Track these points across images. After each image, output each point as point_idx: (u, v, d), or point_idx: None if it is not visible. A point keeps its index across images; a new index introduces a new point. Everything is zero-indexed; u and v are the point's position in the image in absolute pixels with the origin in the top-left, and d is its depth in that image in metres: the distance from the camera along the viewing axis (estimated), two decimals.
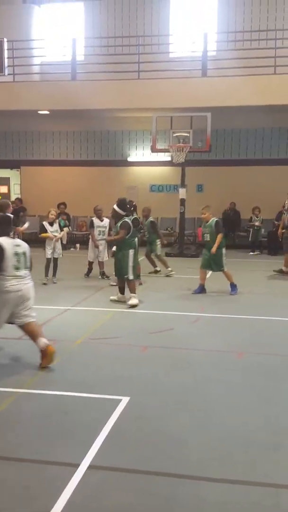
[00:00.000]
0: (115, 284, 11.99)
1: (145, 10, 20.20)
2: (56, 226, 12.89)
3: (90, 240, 13.56)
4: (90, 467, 4.35)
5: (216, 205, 19.40)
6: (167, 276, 13.65)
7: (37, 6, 21.08)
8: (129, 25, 20.21)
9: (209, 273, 12.12)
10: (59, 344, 7.74)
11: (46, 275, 12.64)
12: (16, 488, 4.09)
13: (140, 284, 12.44)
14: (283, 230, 14.27)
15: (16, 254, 6.77)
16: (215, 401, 5.78)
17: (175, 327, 8.82)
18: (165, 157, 19.28)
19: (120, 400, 5.65)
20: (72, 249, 18.78)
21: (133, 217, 12.29)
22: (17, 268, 6.75)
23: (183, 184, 17.68)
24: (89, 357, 7.25)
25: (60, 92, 17.15)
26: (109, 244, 12.32)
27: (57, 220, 13.14)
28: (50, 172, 21.64)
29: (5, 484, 4.15)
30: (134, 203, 12.74)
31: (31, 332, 6.91)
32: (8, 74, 16.35)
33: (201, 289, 11.59)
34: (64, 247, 13.73)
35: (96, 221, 13.50)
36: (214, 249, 11.31)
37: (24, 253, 6.91)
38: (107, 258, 13.19)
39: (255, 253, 18.64)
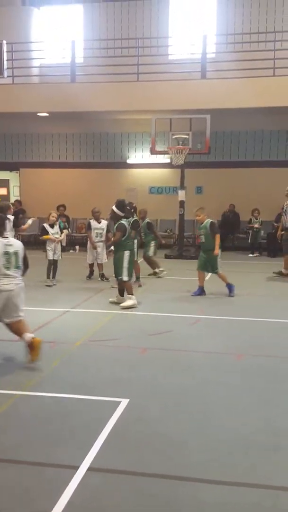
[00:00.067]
0: (116, 286, 12.08)
1: (144, 12, 20.22)
2: (56, 228, 12.89)
3: (88, 242, 13.57)
4: (89, 469, 4.35)
5: (215, 207, 19.48)
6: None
7: (36, 8, 21.09)
8: (128, 27, 20.23)
9: (208, 275, 12.12)
10: (59, 346, 7.76)
11: (48, 277, 12.65)
12: (16, 490, 4.09)
13: (140, 286, 12.46)
14: (282, 232, 14.27)
15: (7, 253, 6.80)
16: (214, 403, 5.78)
17: (175, 329, 8.82)
18: (165, 159, 19.29)
19: (119, 402, 5.65)
20: (71, 251, 18.79)
21: (133, 219, 12.31)
22: (7, 268, 6.77)
23: (182, 186, 17.69)
24: (89, 359, 7.25)
25: (59, 94, 17.16)
26: (107, 246, 12.32)
27: (57, 222, 13.14)
28: (49, 174, 21.64)
29: (5, 485, 4.15)
30: (134, 205, 12.74)
31: (17, 330, 6.97)
32: (8, 76, 16.36)
33: (201, 291, 11.59)
34: (64, 249, 13.73)
35: (93, 223, 13.52)
36: (216, 251, 11.34)
37: (15, 253, 6.92)
38: (106, 260, 13.19)
39: (255, 255, 18.65)
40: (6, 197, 23.91)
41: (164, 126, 17.14)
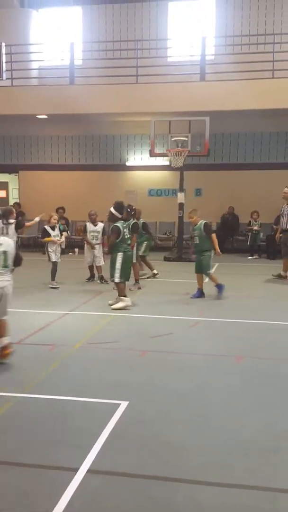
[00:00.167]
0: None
1: (143, 14, 20.26)
2: (57, 230, 12.92)
3: (86, 245, 13.59)
4: (89, 471, 4.34)
5: (214, 209, 19.53)
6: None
7: (35, 11, 21.12)
8: (127, 29, 20.28)
9: (207, 278, 12.10)
10: (58, 348, 7.75)
11: (53, 279, 12.63)
12: (15, 492, 4.08)
13: (139, 288, 12.46)
14: (281, 235, 14.26)
15: None
16: (214, 405, 5.77)
17: (174, 332, 8.81)
18: (164, 161, 19.32)
19: (119, 405, 5.64)
20: (70, 253, 18.78)
21: (133, 221, 12.32)
22: None
23: (181, 189, 17.69)
24: (88, 362, 7.23)
25: (58, 97, 17.19)
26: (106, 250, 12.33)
27: (57, 225, 13.16)
28: (48, 176, 21.65)
29: (5, 487, 4.13)
30: (134, 208, 12.74)
31: None
32: (6, 79, 16.35)
33: (200, 294, 11.58)
34: (63, 252, 13.74)
35: (89, 225, 13.58)
36: (217, 250, 11.35)
37: (4, 252, 6.95)
38: (103, 262, 13.19)
39: (254, 257, 18.64)
40: (5, 200, 23.93)
41: (163, 128, 17.15)
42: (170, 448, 4.77)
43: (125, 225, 10.68)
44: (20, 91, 17.77)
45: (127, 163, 21.22)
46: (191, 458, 4.61)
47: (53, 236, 12.70)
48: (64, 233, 14.06)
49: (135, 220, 12.52)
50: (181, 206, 17.58)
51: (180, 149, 16.82)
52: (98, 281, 13.28)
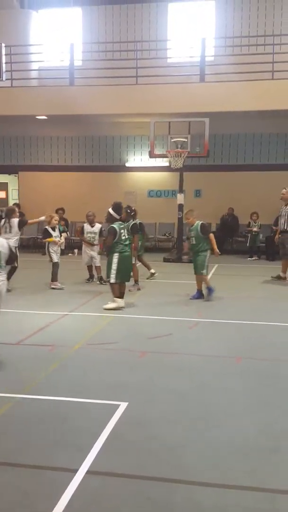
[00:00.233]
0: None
1: (143, 15, 20.28)
2: (57, 231, 12.95)
3: (83, 245, 13.63)
4: (88, 472, 4.33)
5: (214, 211, 19.55)
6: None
7: (35, 11, 21.13)
8: (127, 30, 20.30)
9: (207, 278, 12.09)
10: (57, 349, 7.74)
11: (56, 280, 12.67)
12: (15, 493, 4.07)
13: (138, 289, 12.46)
14: (279, 236, 14.27)
15: None
16: (213, 406, 5.76)
17: (173, 333, 8.80)
18: (163, 162, 19.32)
19: (118, 406, 5.63)
20: (70, 254, 18.78)
21: (133, 222, 12.33)
22: None
23: (181, 190, 17.68)
24: (88, 363, 7.23)
25: (58, 97, 17.18)
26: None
27: (57, 225, 13.18)
28: (48, 177, 21.66)
29: (4, 488, 4.13)
30: (134, 209, 12.74)
31: None
32: (6, 79, 16.34)
33: (199, 295, 11.57)
34: (62, 253, 13.75)
35: (86, 226, 13.63)
36: (216, 250, 11.34)
37: None
38: (99, 263, 13.22)
39: (253, 258, 18.64)
40: (5, 200, 23.94)
41: (163, 129, 17.15)
42: (170, 449, 4.77)
43: (122, 226, 10.68)
44: (19, 91, 17.77)
45: (127, 164, 21.23)
46: (191, 459, 4.60)
47: (54, 237, 12.72)
48: (64, 234, 14.08)
49: (135, 221, 12.51)
50: (180, 207, 17.56)
51: (180, 150, 16.82)
52: (97, 282, 13.28)
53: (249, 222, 19.02)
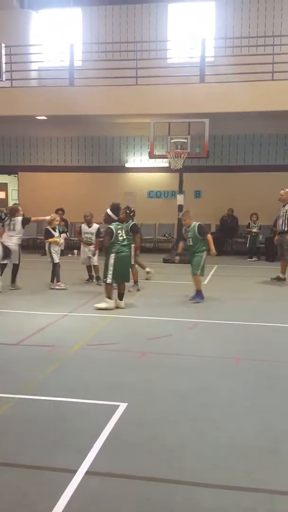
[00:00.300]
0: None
1: (143, 16, 20.28)
2: (57, 231, 12.99)
3: (81, 245, 13.65)
4: (87, 472, 4.33)
5: (214, 211, 19.56)
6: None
7: (35, 12, 21.13)
8: (127, 31, 20.30)
9: (206, 279, 12.09)
10: (57, 350, 7.74)
11: (59, 280, 12.71)
12: (14, 493, 4.07)
13: (138, 290, 12.45)
14: (277, 237, 14.28)
15: None
16: (213, 407, 5.75)
17: (173, 333, 8.79)
18: (163, 163, 19.32)
19: (117, 406, 5.63)
20: (69, 255, 18.77)
21: (132, 223, 12.32)
22: None
23: (181, 190, 17.68)
24: (87, 363, 7.22)
25: (58, 98, 17.18)
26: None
27: (57, 226, 13.20)
28: (47, 178, 21.66)
29: (3, 489, 4.12)
30: (133, 209, 12.74)
31: None
32: (6, 80, 16.35)
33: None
34: (62, 253, 13.75)
35: (84, 227, 13.66)
36: (213, 250, 11.31)
37: None
38: (96, 263, 13.23)
39: (253, 259, 18.63)
40: (5, 201, 23.94)
41: (162, 130, 17.15)
42: (169, 450, 4.76)
43: (119, 227, 10.68)
44: (19, 92, 17.76)
45: (127, 165, 21.23)
46: (190, 460, 4.60)
47: (55, 237, 12.79)
48: (63, 235, 14.09)
49: (134, 222, 12.51)
50: (180, 208, 17.55)
51: (180, 151, 16.83)
52: (96, 282, 13.29)
53: (249, 223, 19.02)
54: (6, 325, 9.28)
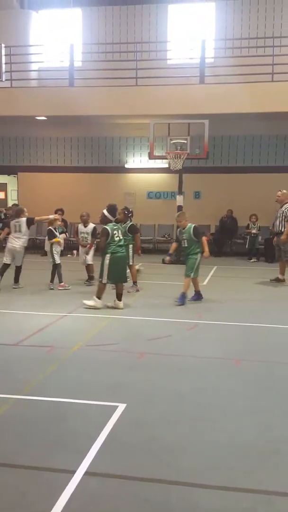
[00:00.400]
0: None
1: (143, 17, 20.28)
2: (57, 232, 13.02)
3: (79, 246, 13.70)
4: (86, 473, 4.33)
5: (213, 212, 19.57)
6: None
7: (35, 12, 21.11)
8: (127, 32, 20.30)
9: (206, 279, 12.08)
10: (56, 350, 7.73)
11: (61, 280, 12.68)
12: (13, 494, 4.07)
13: (137, 291, 12.45)
14: (275, 238, 14.29)
15: None
16: (212, 408, 5.75)
17: (172, 334, 8.79)
18: (163, 164, 19.31)
19: (116, 407, 5.63)
20: (69, 255, 18.76)
21: (130, 223, 12.33)
22: None
23: (180, 191, 17.67)
24: (86, 364, 7.22)
25: (58, 98, 17.16)
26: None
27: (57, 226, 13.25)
28: (47, 178, 21.65)
29: (2, 489, 4.12)
30: (131, 210, 12.74)
31: None
32: (6, 80, 16.34)
33: (198, 296, 11.56)
34: (61, 254, 13.75)
35: (80, 227, 13.68)
36: (206, 253, 11.28)
37: None
38: (91, 262, 13.25)
39: (252, 260, 18.63)
40: (4, 201, 23.94)
41: (162, 131, 17.14)
42: (168, 451, 4.76)
43: (115, 227, 10.69)
44: (19, 92, 17.74)
45: (126, 165, 21.22)
46: (189, 460, 4.60)
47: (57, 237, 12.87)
48: (63, 235, 14.10)
49: (132, 222, 12.52)
50: (179, 209, 17.51)
51: (179, 151, 16.81)
52: (86, 282, 13.31)
53: (248, 224, 19.02)
54: (6, 325, 9.28)
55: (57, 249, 12.80)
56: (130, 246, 12.19)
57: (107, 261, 10.46)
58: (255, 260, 18.62)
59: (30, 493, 4.07)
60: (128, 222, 12.29)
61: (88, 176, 21.23)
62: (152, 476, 4.33)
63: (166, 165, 18.25)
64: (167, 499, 4.02)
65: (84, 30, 20.81)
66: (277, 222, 14.04)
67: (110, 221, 10.74)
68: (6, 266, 12.46)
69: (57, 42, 20.12)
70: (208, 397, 6.04)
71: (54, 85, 18.01)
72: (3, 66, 16.18)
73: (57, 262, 12.73)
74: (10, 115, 17.86)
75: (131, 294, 12.08)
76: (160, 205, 20.71)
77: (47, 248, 13.44)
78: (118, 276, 10.67)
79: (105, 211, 10.87)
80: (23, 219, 12.49)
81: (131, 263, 12.33)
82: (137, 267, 13.58)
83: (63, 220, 18.94)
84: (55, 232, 12.88)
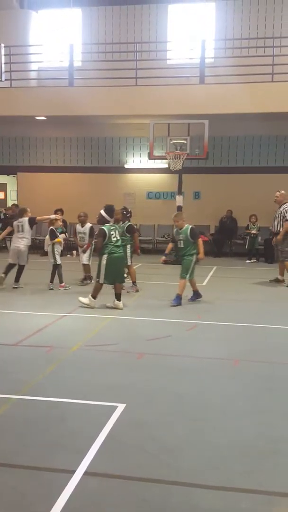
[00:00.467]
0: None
1: (143, 17, 20.28)
2: (57, 232, 13.06)
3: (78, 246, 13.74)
4: (86, 473, 4.32)
5: (213, 213, 19.56)
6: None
7: (34, 12, 21.10)
8: (127, 31, 20.30)
9: (206, 280, 12.07)
10: (55, 350, 7.73)
11: (62, 281, 12.69)
12: (12, 494, 4.06)
13: (137, 291, 12.43)
14: (274, 239, 14.30)
15: None
16: (211, 408, 5.75)
17: (172, 334, 8.78)
18: (162, 164, 19.29)
19: (116, 407, 5.62)
20: (68, 255, 18.75)
21: (128, 223, 12.34)
22: None
23: (180, 191, 17.65)
24: (85, 364, 7.21)
25: (57, 98, 17.16)
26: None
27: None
28: (47, 178, 21.63)
29: (2, 489, 4.11)
30: (129, 210, 12.74)
31: None
32: (5, 80, 16.31)
33: (196, 295, 11.56)
34: (61, 254, 13.75)
35: (78, 227, 13.66)
36: (201, 254, 11.26)
37: None
38: (87, 262, 13.25)
39: (252, 260, 18.62)
40: (4, 201, 23.93)
41: (162, 131, 17.12)
42: (167, 451, 4.76)
43: (112, 228, 10.69)
44: (19, 92, 17.74)
45: (126, 166, 21.21)
46: (188, 461, 4.59)
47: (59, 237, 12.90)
48: (62, 235, 14.09)
49: (130, 222, 12.52)
50: (179, 209, 17.51)
51: (179, 152, 16.80)
52: (80, 282, 13.31)
53: (248, 225, 19.01)
54: (5, 325, 9.27)
55: (58, 249, 12.82)
56: (128, 246, 12.20)
57: (104, 261, 10.47)
58: (255, 260, 18.62)
59: (30, 493, 4.07)
60: (126, 222, 12.29)
61: (88, 176, 21.21)
62: (151, 476, 4.33)
63: (166, 165, 18.23)
64: (167, 499, 4.02)
65: (84, 30, 20.80)
66: (275, 223, 14.05)
67: (107, 222, 10.74)
68: (12, 265, 12.54)
69: (57, 42, 20.11)
70: (208, 397, 6.03)
71: (54, 85, 18.01)
72: (3, 66, 16.10)
73: (58, 263, 12.74)
74: (9, 115, 17.87)
75: (131, 294, 12.08)
76: (160, 205, 20.69)
77: (46, 248, 13.44)
78: (115, 277, 10.66)
79: (102, 212, 10.86)
80: (26, 219, 12.54)
81: (129, 263, 12.33)
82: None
83: (63, 220, 18.95)
84: (57, 232, 12.90)
